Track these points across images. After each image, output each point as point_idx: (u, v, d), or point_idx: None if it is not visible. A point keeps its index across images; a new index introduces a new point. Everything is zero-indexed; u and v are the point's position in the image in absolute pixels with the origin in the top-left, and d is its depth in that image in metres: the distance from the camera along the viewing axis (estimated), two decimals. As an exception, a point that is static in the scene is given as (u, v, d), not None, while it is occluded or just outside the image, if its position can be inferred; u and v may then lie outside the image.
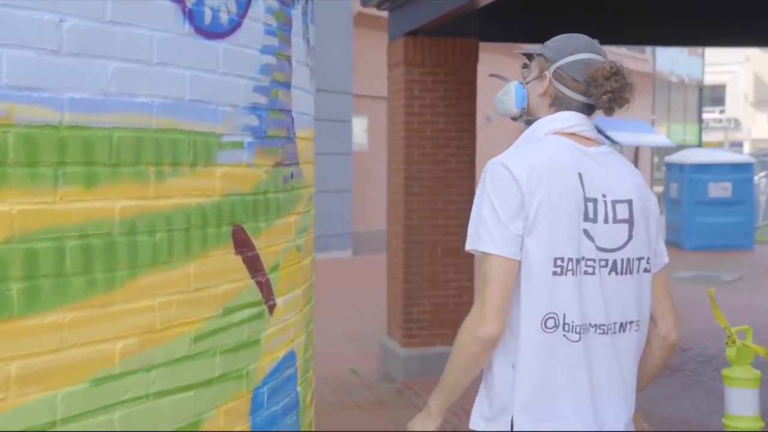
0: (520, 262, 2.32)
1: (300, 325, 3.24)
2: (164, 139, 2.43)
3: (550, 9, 8.82)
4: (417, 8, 8.19)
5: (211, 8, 2.59)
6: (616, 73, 2.43)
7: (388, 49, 9.22)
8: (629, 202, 2.44)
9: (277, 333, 3.00)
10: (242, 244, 2.76)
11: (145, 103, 2.37)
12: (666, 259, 2.59)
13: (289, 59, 3.06)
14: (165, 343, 2.45)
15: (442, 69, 8.69)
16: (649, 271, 2.49)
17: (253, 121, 2.81)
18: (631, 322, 2.44)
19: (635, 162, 34.18)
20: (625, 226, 2.42)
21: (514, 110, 2.57)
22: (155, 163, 2.41)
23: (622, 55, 30.42)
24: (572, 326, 2.33)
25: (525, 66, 2.61)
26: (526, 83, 2.57)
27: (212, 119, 2.61)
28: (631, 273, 2.43)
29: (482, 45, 8.83)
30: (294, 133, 3.13)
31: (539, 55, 2.55)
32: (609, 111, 2.48)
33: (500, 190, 2.33)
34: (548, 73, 2.50)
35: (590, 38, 2.54)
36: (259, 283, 2.86)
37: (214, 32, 2.60)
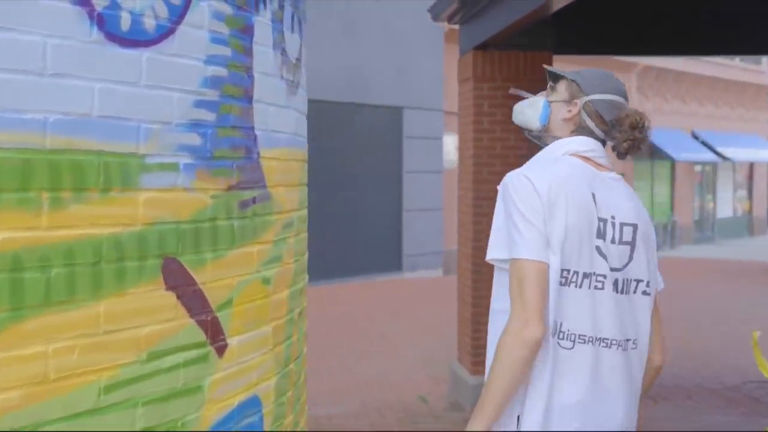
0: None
1: (269, 366, 2.90)
2: (62, 161, 2.12)
3: (631, 19, 8.31)
4: (486, 20, 7.79)
5: (131, 13, 2.28)
6: (643, 125, 2.58)
7: (458, 65, 8.85)
8: (634, 226, 2.56)
9: (230, 377, 2.67)
10: (177, 278, 2.44)
11: (36, 120, 2.08)
12: (661, 285, 2.71)
13: (249, 71, 2.74)
14: (61, 395, 2.13)
15: (513, 84, 8.25)
16: (648, 294, 2.59)
17: (192, 139, 2.49)
18: (627, 340, 2.52)
19: (749, 179, 32.80)
20: (627, 248, 2.53)
21: (537, 125, 2.68)
22: (50, 189, 2.10)
23: (734, 66, 29.21)
24: (567, 334, 2.43)
25: (551, 84, 2.70)
26: (551, 102, 2.67)
27: (131, 138, 2.30)
28: (627, 293, 2.53)
29: (556, 58, 8.36)
30: (257, 153, 2.81)
31: (572, 81, 2.65)
32: (622, 156, 2.62)
33: (525, 199, 2.41)
34: (579, 103, 2.61)
35: (622, 82, 2.69)
36: (201, 322, 2.53)
37: (134, 40, 2.29)
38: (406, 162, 17.53)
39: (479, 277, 8.20)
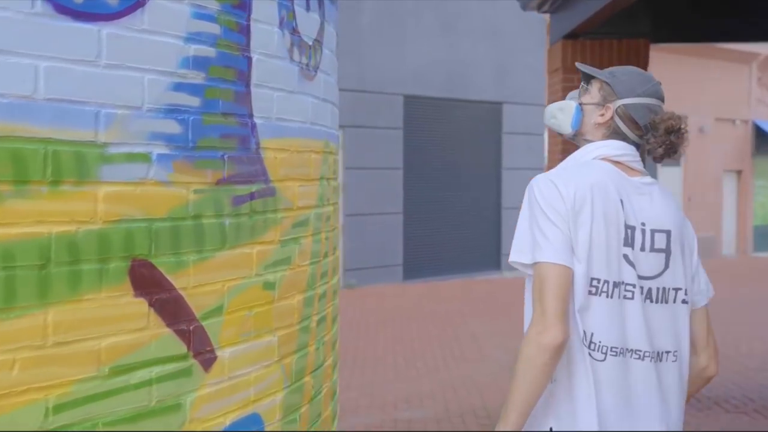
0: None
1: (274, 380, 2.61)
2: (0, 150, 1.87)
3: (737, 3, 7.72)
4: (576, 7, 7.34)
5: (87, -18, 2.01)
6: (680, 129, 2.48)
7: (548, 55, 8.42)
8: (668, 233, 2.46)
9: (221, 393, 2.38)
10: (148, 283, 2.17)
11: (-35, 103, 1.83)
12: (711, 293, 2.60)
13: (244, 51, 2.45)
14: (1, 415, 1.88)
15: (605, 75, 7.79)
16: (687, 302, 2.49)
17: (168, 127, 2.21)
18: (667, 352, 2.44)
19: None
20: (662, 256, 2.45)
21: (569, 130, 2.59)
22: (-17, 181, 1.85)
23: None
24: (599, 345, 2.35)
25: (584, 85, 2.60)
26: (583, 104, 2.58)
27: (87, 124, 2.03)
28: (666, 302, 2.44)
29: (655, 47, 7.85)
30: (257, 144, 2.52)
31: (605, 83, 2.54)
32: (658, 159, 2.54)
33: (551, 203, 2.34)
34: (612, 107, 2.52)
35: (658, 82, 2.57)
36: (181, 332, 2.25)
37: (90, 13, 2.02)
38: (505, 159, 17.11)
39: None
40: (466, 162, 16.38)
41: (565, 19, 7.79)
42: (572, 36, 7.75)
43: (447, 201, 16.10)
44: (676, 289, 2.45)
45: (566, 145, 7.77)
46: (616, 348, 2.35)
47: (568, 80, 7.80)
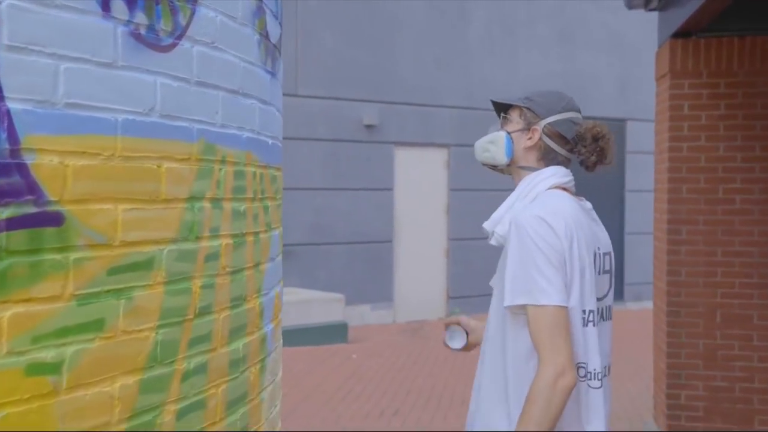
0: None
1: None
2: None
3: None
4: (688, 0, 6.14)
5: None
6: (604, 135, 2.61)
7: (656, 59, 7.24)
8: (610, 255, 2.63)
9: None
10: None
11: None
12: None
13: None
14: None
15: (723, 79, 6.57)
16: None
17: None
18: (606, 367, 2.57)
19: None
20: (607, 277, 2.59)
21: (504, 160, 2.63)
22: None
23: None
24: (594, 374, 2.45)
25: (503, 115, 2.68)
26: (510, 132, 2.64)
27: None
28: (610, 319, 2.60)
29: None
30: (14, 141, 1.56)
31: (525, 108, 2.63)
32: (591, 168, 2.65)
33: (549, 242, 2.36)
34: (538, 128, 2.61)
35: (571, 97, 2.67)
36: None
37: None
38: (629, 180, 15.75)
39: (676, 319, 6.61)
40: (586, 183, 15.02)
41: (674, 15, 6.61)
42: (682, 34, 6.57)
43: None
44: (611, 307, 2.60)
45: (674, 163, 6.58)
46: (602, 371, 2.48)
47: (677, 86, 6.64)
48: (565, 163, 2.64)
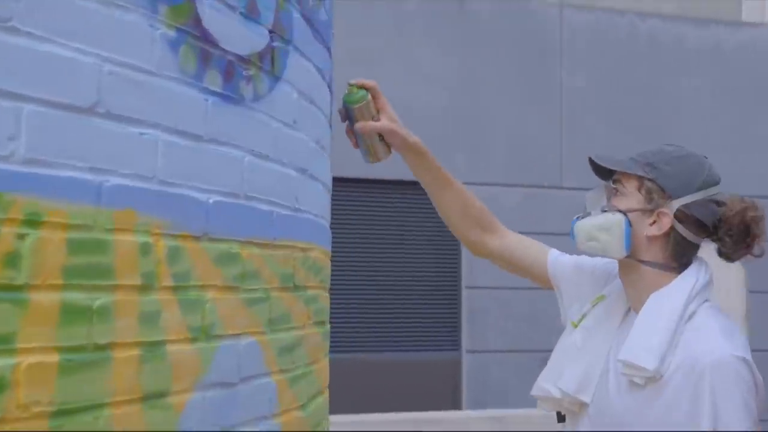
0: None
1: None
2: None
3: None
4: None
5: None
6: (762, 217, 1.92)
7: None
8: None
9: None
10: None
11: None
12: None
13: None
14: None
15: None
16: None
17: None
18: None
19: None
20: None
21: (621, 254, 1.94)
22: None
23: None
24: None
25: (614, 185, 1.99)
26: (626, 215, 1.94)
27: None
28: None
29: None
30: None
31: (649, 179, 1.94)
32: (733, 260, 1.96)
33: (754, 395, 1.80)
34: (669, 212, 1.92)
35: (706, 157, 1.99)
36: None
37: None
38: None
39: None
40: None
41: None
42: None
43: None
44: None
45: None
46: None
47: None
48: (696, 255, 2.00)
